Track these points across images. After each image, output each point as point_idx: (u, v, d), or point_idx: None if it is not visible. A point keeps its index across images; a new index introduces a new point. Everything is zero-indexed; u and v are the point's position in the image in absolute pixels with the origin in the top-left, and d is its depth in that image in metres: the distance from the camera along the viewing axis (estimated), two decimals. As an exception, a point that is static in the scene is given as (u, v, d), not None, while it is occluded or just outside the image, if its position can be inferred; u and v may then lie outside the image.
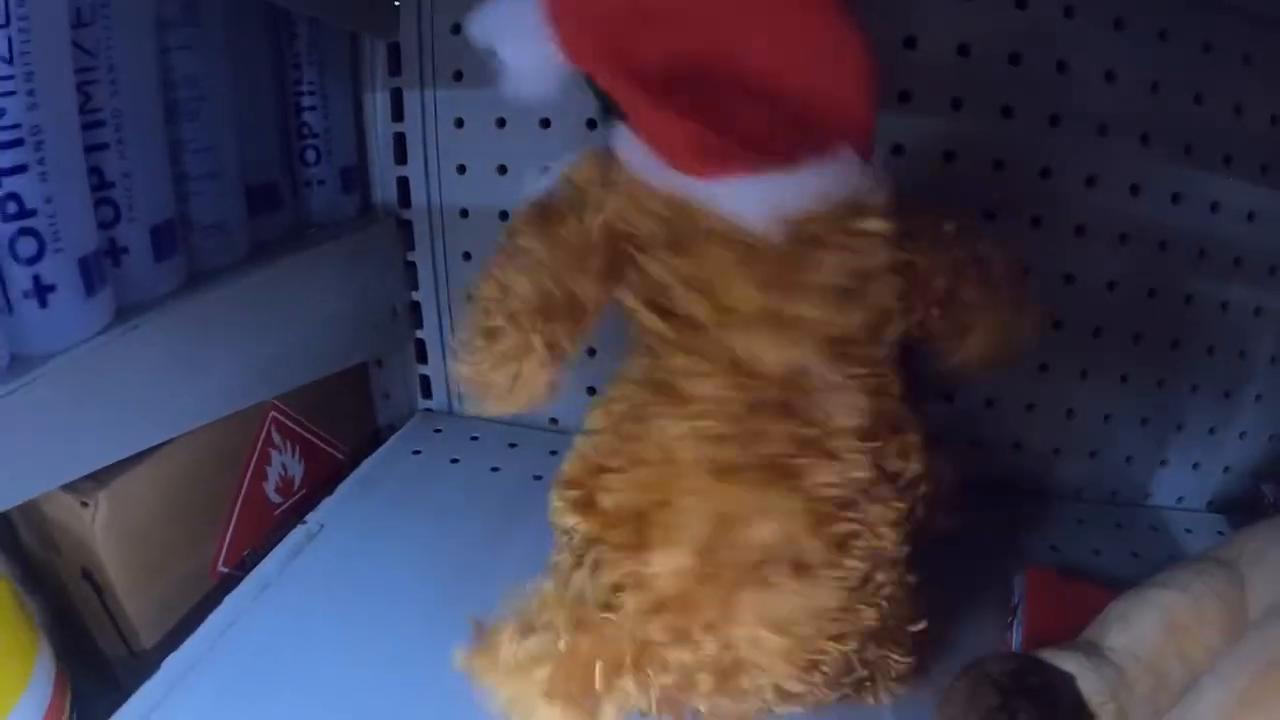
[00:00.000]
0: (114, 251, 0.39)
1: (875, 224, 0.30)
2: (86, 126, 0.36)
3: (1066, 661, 0.32)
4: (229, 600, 0.43)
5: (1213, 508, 0.54)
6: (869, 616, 0.32)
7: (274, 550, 0.47)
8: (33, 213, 0.34)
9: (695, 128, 0.28)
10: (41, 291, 0.35)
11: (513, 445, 0.58)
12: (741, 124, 0.29)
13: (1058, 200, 0.48)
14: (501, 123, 0.53)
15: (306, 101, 0.51)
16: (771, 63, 0.29)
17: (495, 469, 0.55)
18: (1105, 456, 0.54)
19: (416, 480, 0.54)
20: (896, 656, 0.36)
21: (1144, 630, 0.33)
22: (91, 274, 0.37)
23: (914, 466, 0.33)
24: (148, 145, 0.40)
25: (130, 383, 0.39)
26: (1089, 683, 0.31)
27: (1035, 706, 0.30)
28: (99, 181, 0.38)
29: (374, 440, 0.59)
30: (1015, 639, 0.40)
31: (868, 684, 0.36)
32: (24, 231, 0.34)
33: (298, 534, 0.48)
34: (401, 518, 0.50)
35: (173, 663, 0.39)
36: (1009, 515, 0.52)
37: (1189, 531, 0.52)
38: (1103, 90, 0.46)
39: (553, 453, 0.55)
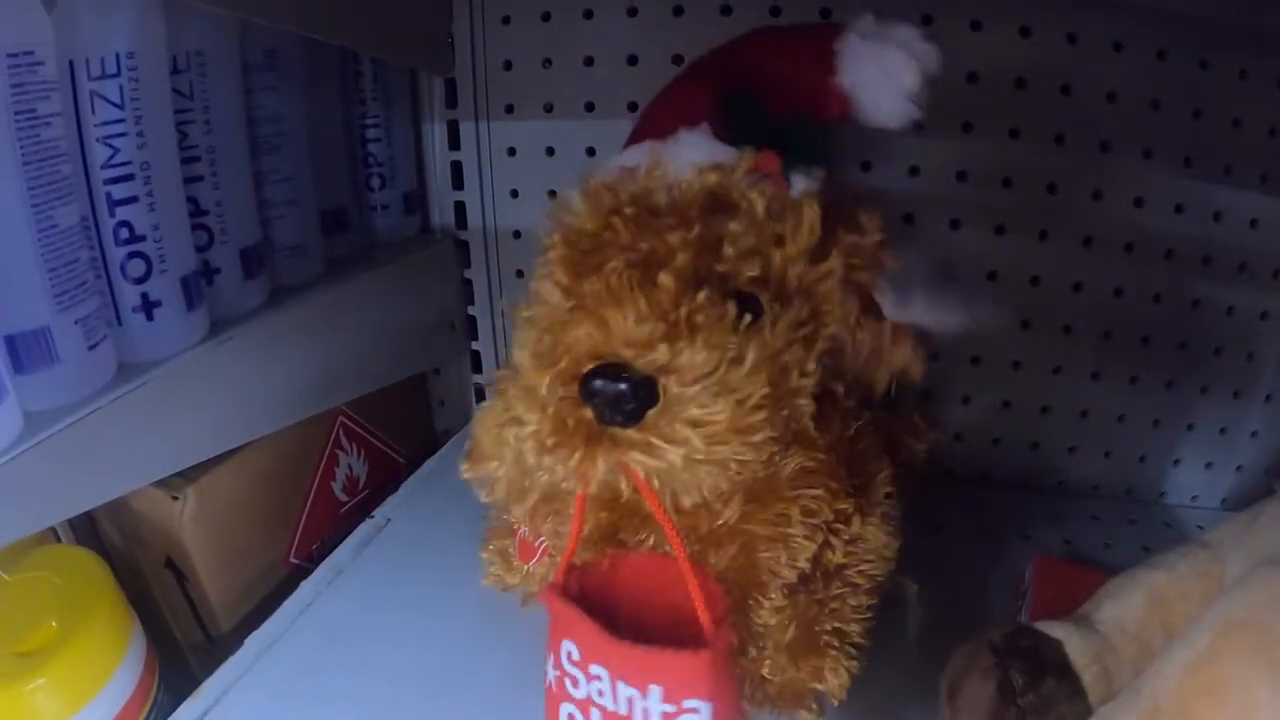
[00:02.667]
0: (208, 272, 0.44)
1: None
2: (184, 161, 0.42)
3: (1056, 630, 0.35)
4: (305, 585, 0.47)
5: (1227, 506, 0.56)
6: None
7: (345, 541, 0.51)
8: (142, 238, 0.39)
9: None
10: (149, 307, 0.40)
11: (560, 447, 0.61)
12: None
13: (1065, 213, 0.51)
14: (550, 151, 0.58)
15: (372, 134, 0.57)
16: None
17: (544, 468, 0.59)
18: (1119, 455, 0.56)
19: (474, 478, 0.59)
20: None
21: (1131, 604, 0.36)
22: (191, 292, 0.42)
23: None
24: (237, 177, 0.45)
25: (222, 389, 0.44)
26: (1075, 647, 0.34)
27: (1025, 664, 0.33)
28: (195, 209, 0.43)
29: (431, 445, 0.64)
30: (1023, 619, 0.43)
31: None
32: (134, 255, 0.39)
33: (367, 526, 0.52)
34: (460, 511, 0.54)
35: (255, 640, 0.43)
36: (1026, 511, 0.54)
37: (1201, 528, 0.53)
38: (1105, 110, 0.49)
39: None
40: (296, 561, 0.53)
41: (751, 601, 0.36)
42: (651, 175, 0.32)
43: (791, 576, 0.35)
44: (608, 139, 0.56)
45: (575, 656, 0.31)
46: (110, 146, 0.37)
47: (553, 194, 0.59)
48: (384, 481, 0.60)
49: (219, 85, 0.43)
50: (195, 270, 0.43)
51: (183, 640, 0.49)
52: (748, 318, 0.29)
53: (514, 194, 0.60)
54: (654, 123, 0.36)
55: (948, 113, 0.51)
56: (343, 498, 0.58)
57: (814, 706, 0.37)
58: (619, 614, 0.31)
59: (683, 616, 0.31)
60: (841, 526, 0.36)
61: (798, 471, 0.34)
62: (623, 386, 0.27)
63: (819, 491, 0.35)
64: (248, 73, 0.45)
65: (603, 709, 0.31)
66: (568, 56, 0.56)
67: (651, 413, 0.27)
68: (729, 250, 0.30)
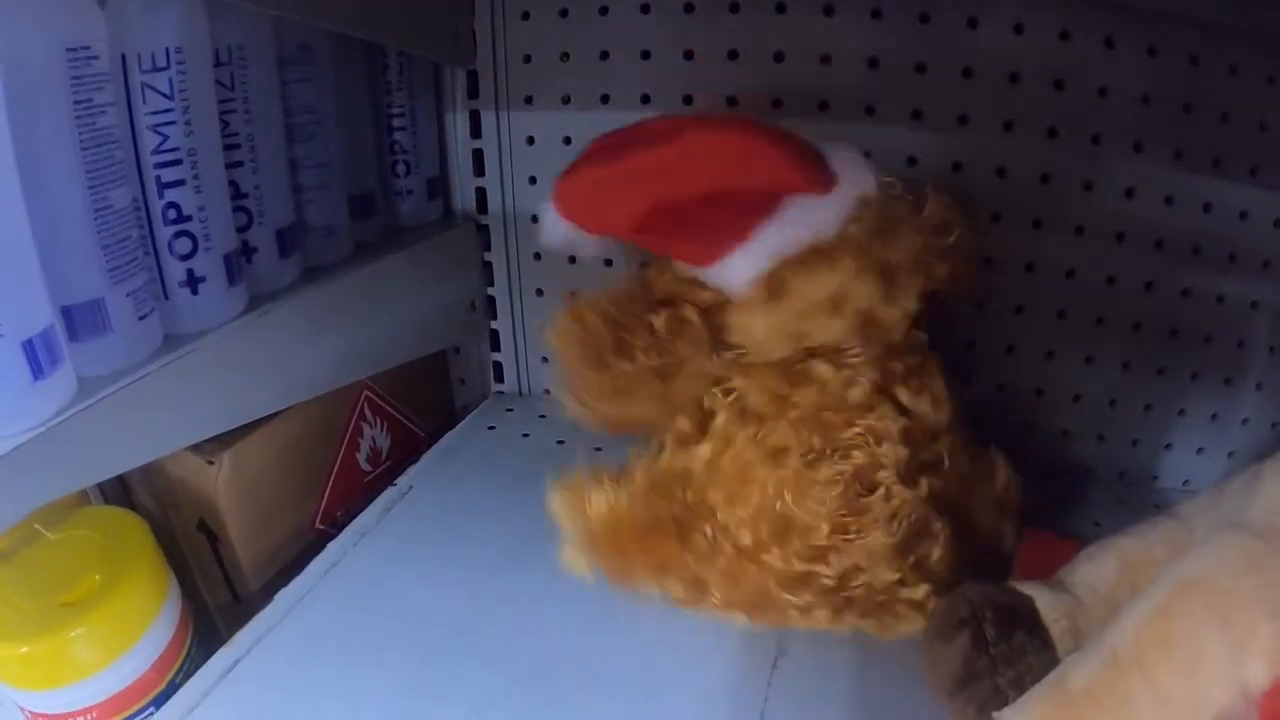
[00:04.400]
0: (246, 251, 0.47)
1: None
2: (226, 148, 0.44)
3: (1029, 588, 0.38)
4: (331, 546, 0.50)
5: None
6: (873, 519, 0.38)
7: (370, 506, 0.54)
8: (189, 218, 0.42)
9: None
10: (194, 282, 0.43)
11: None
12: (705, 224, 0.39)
13: (1057, 204, 0.53)
14: (568, 140, 0.60)
15: (397, 123, 0.59)
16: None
17: (560, 442, 0.62)
18: (1112, 439, 0.57)
19: (492, 450, 0.62)
20: (908, 586, 0.40)
21: (1103, 568, 0.38)
22: (233, 268, 0.45)
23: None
24: (273, 162, 0.48)
25: (259, 359, 0.47)
26: (1045, 603, 0.37)
27: (998, 617, 0.36)
28: (235, 193, 0.46)
29: (451, 420, 0.66)
30: (1006, 584, 0.45)
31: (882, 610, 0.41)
32: (181, 234, 0.42)
33: (390, 493, 0.55)
34: (479, 481, 0.57)
35: (284, 595, 0.46)
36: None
37: None
38: (1096, 104, 0.50)
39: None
40: (322, 528, 0.56)
41: None
42: None
43: None
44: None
45: None
46: (160, 134, 0.40)
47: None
48: (406, 454, 0.63)
49: (257, 77, 0.46)
50: (236, 249, 0.46)
51: (211, 602, 0.52)
52: None
53: (532, 181, 0.63)
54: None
55: (944, 106, 0.53)
56: (366, 468, 0.61)
57: None
58: None
59: None
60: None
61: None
62: None
63: None
64: (283, 65, 0.48)
65: None
66: (584, 51, 0.58)
67: None
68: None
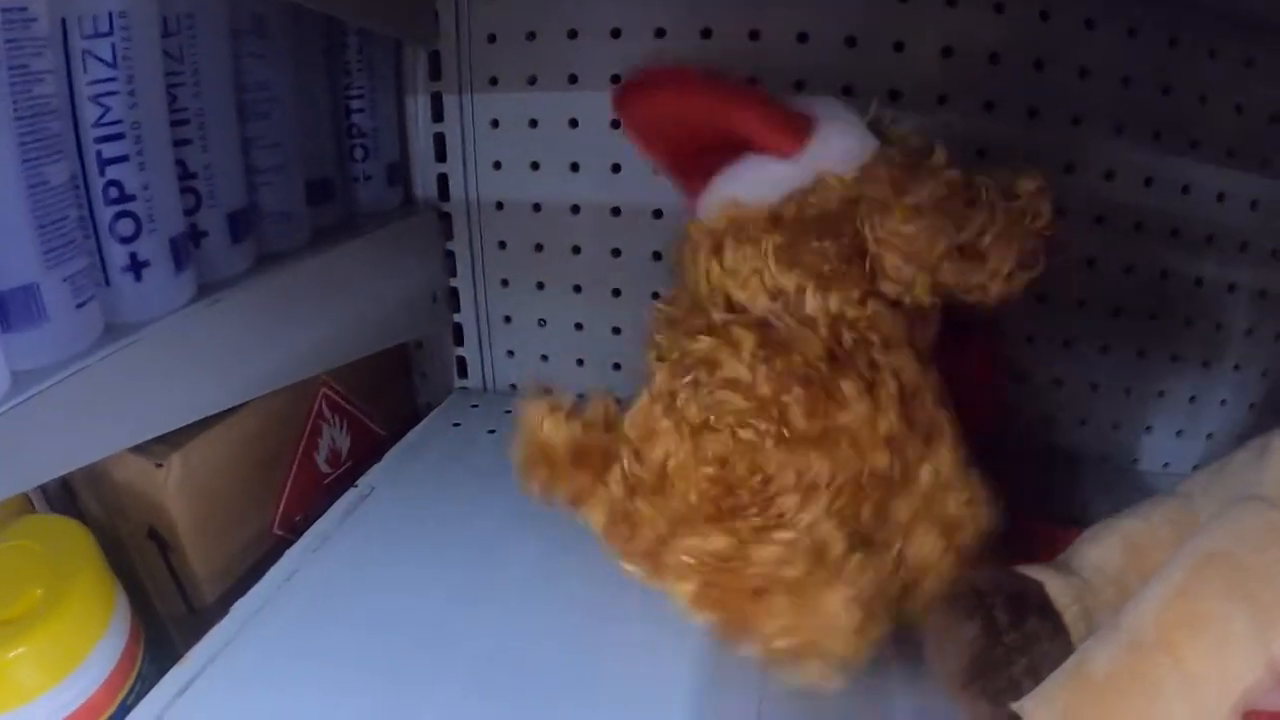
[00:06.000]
0: (195, 235, 0.44)
1: None
2: (174, 124, 0.41)
3: (1037, 573, 0.36)
4: (290, 553, 0.47)
5: (1195, 473, 0.57)
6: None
7: (330, 509, 0.51)
8: (132, 198, 0.39)
9: None
10: (137, 267, 0.40)
11: (544, 418, 0.62)
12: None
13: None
14: (534, 123, 0.58)
15: (356, 105, 0.57)
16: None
17: (529, 438, 0.60)
18: (1093, 423, 0.57)
19: (458, 447, 0.59)
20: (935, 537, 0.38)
21: (1109, 549, 0.37)
22: (179, 253, 0.42)
23: None
24: (224, 141, 0.45)
25: (209, 352, 0.44)
26: (1055, 587, 0.35)
27: (1008, 604, 0.35)
28: (183, 172, 0.43)
29: (413, 418, 0.64)
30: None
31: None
32: (123, 214, 0.39)
33: (351, 495, 0.53)
34: (445, 480, 0.55)
35: (241, 607, 0.43)
36: (1002, 477, 0.55)
37: None
38: (1077, 85, 0.50)
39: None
40: (280, 533, 0.53)
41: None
42: None
43: None
44: (590, 110, 0.57)
45: None
46: (101, 105, 0.37)
47: (535, 166, 0.59)
48: (366, 454, 0.60)
49: (208, 49, 0.43)
50: (183, 232, 0.42)
51: (164, 614, 0.49)
52: None
53: (497, 166, 0.60)
54: None
55: (924, 86, 0.52)
56: (325, 469, 0.58)
57: None
58: None
59: None
60: None
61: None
62: None
63: None
64: (236, 38, 0.45)
65: None
66: (552, 29, 0.56)
67: None
68: None
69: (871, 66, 0.52)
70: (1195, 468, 0.56)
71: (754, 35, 0.53)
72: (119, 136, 0.38)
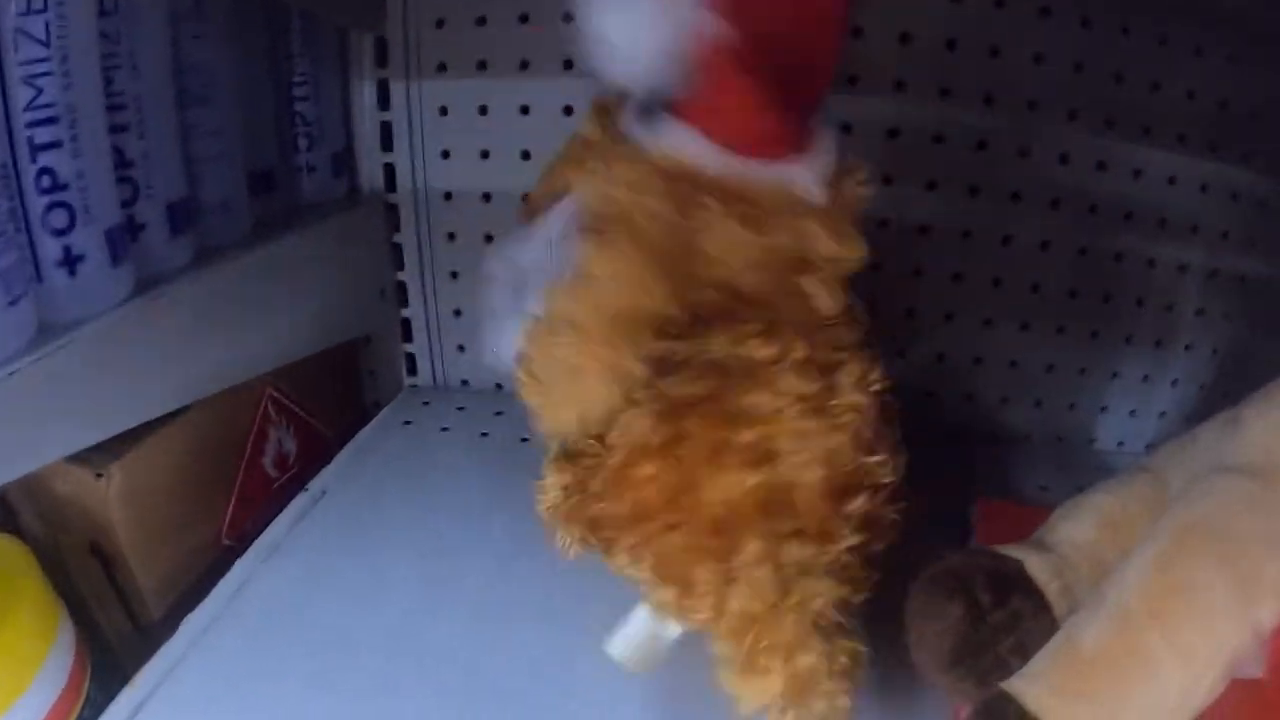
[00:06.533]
0: (133, 227, 0.42)
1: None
2: (110, 109, 0.39)
3: (1015, 551, 0.36)
4: (239, 564, 0.45)
5: (1151, 450, 0.58)
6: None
7: (279, 516, 0.49)
8: (65, 186, 0.36)
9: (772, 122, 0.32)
10: (72, 261, 0.37)
11: (499, 413, 0.60)
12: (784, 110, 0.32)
13: (993, 170, 0.53)
14: (484, 110, 0.56)
15: (299, 92, 0.54)
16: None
17: (484, 434, 0.58)
18: (1049, 404, 0.58)
19: (410, 447, 0.57)
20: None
21: (1082, 526, 0.37)
22: (116, 245, 0.39)
23: None
24: (163, 127, 0.42)
25: (149, 351, 0.41)
26: (1035, 564, 0.35)
27: (989, 581, 0.34)
28: (120, 160, 0.40)
29: (362, 418, 0.62)
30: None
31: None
32: (56, 204, 0.36)
33: (301, 500, 0.50)
34: (398, 481, 0.53)
35: (190, 624, 0.41)
36: (963, 461, 0.55)
37: None
38: (1031, 71, 0.51)
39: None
40: (229, 543, 0.51)
41: None
42: None
43: None
44: (542, 97, 0.56)
45: None
46: (33, 87, 0.34)
47: (485, 154, 0.58)
48: (314, 457, 0.57)
49: (145, 30, 0.40)
50: (120, 224, 0.40)
51: (110, 631, 0.46)
52: None
53: (445, 155, 0.59)
54: None
55: (880, 71, 0.52)
56: (274, 474, 0.55)
57: None
58: None
59: None
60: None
61: None
62: None
63: None
64: (175, 20, 0.43)
65: None
66: (502, 13, 0.54)
67: None
68: None
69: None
70: (1149, 446, 0.58)
71: (711, 20, 0.52)
72: (52, 121, 0.35)
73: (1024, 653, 0.32)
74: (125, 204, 0.41)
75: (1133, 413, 0.58)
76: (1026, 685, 0.30)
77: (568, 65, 0.54)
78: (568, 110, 0.55)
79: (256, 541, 0.47)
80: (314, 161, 0.56)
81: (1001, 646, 0.34)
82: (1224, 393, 0.54)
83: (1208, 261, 0.53)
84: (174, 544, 0.47)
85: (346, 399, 0.65)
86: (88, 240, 0.38)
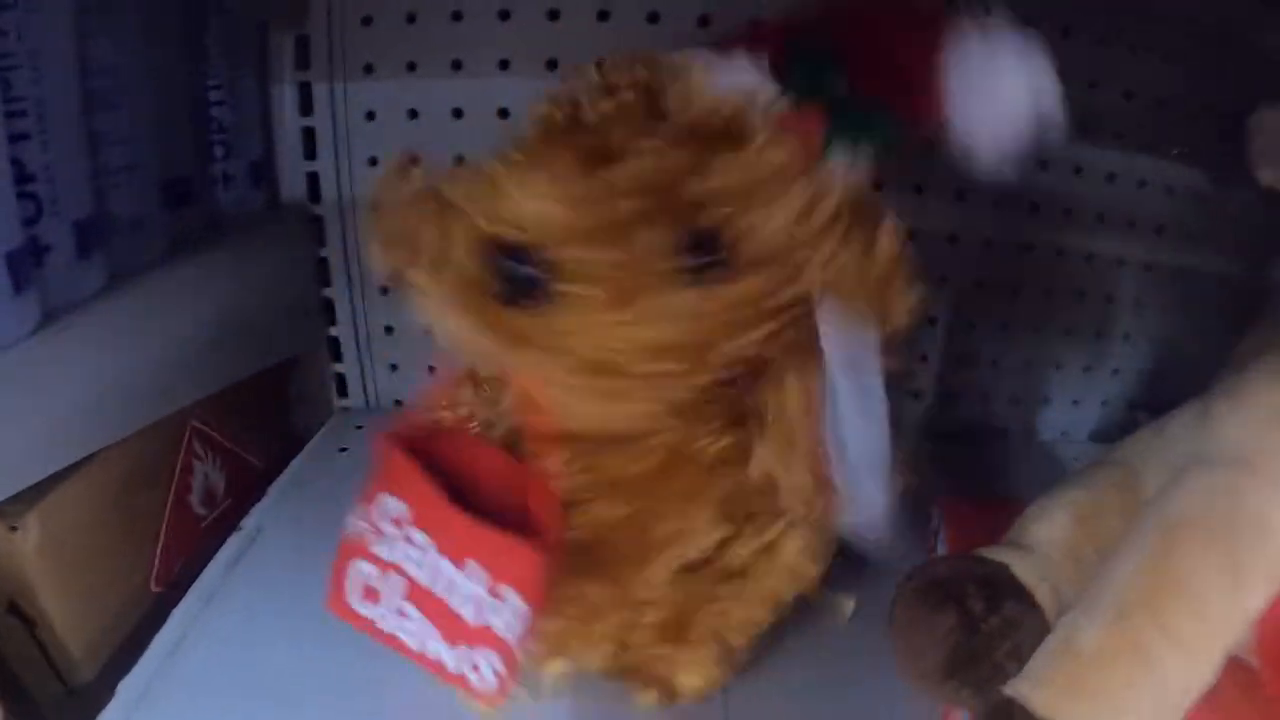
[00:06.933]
0: (37, 250, 0.37)
1: None
2: (7, 115, 0.35)
3: (998, 554, 0.36)
4: (175, 615, 0.42)
5: (1095, 438, 0.60)
6: None
7: (214, 559, 0.45)
8: (-42, 206, 0.32)
9: None
10: (-33, 291, 0.33)
11: (437, 436, 0.58)
12: None
13: (937, 170, 0.53)
14: (414, 114, 0.54)
15: (215, 96, 0.50)
16: None
17: (426, 456, 0.55)
18: (994, 398, 0.59)
19: (347, 476, 0.52)
20: None
21: (1058, 523, 0.37)
22: (19, 272, 0.35)
23: None
24: (68, 136, 0.38)
25: (60, 389, 0.38)
26: (1022, 568, 0.35)
27: (980, 588, 0.34)
28: (20, 174, 0.36)
29: (293, 445, 0.58)
30: (940, 560, 0.44)
31: None
32: (-52, 226, 0.32)
33: (237, 540, 0.47)
34: (338, 513, 0.48)
35: (127, 686, 0.37)
36: (911, 459, 0.55)
37: (1076, 460, 0.56)
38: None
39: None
40: (159, 590, 0.47)
41: (631, 569, 0.33)
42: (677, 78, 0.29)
43: (677, 562, 0.33)
44: (476, 99, 0.53)
45: (401, 517, 0.30)
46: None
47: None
48: (244, 489, 0.53)
49: (48, 25, 0.36)
50: (22, 246, 0.36)
51: (39, 698, 0.42)
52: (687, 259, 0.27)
53: (373, 162, 0.56)
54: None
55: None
56: (202, 511, 0.51)
57: (662, 694, 0.35)
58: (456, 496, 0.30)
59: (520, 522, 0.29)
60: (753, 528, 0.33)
61: (728, 450, 0.32)
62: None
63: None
64: (79, 15, 0.39)
65: (413, 580, 0.29)
66: (433, 10, 0.52)
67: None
68: (711, 182, 0.28)
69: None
70: (1091, 434, 0.60)
71: (653, 18, 0.51)
72: (-60, 131, 0.31)
73: (1020, 657, 0.32)
74: (27, 223, 0.37)
75: (1075, 402, 0.59)
76: (1031, 689, 0.30)
77: (504, 65, 0.52)
78: (503, 113, 0.53)
79: (192, 588, 0.43)
80: (231, 171, 0.52)
81: (998, 653, 0.33)
82: (1163, 380, 0.57)
83: (1145, 255, 0.55)
84: (101, 597, 0.43)
85: (275, 425, 0.61)
86: (-14, 266, 0.34)
